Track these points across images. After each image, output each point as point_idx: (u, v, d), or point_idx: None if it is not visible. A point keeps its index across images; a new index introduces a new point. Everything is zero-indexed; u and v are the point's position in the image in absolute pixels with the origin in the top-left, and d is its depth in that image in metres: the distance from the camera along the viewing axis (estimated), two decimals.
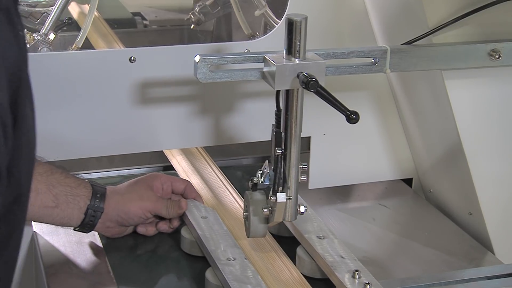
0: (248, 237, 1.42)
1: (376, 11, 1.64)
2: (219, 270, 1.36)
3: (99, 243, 1.51)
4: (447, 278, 1.43)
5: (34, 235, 1.54)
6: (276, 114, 1.35)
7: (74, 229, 1.46)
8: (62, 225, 1.45)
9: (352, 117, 1.20)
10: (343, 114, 1.21)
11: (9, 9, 0.81)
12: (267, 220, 1.39)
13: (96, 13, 2.07)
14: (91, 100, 1.56)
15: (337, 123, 1.49)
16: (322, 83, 1.24)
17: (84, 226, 1.45)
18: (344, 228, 1.64)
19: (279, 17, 1.87)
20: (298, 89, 1.30)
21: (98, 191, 1.45)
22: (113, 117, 1.58)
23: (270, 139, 1.36)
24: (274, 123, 1.35)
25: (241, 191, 1.63)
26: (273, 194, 1.34)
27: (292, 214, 1.37)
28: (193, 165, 1.77)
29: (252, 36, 2.07)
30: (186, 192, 1.56)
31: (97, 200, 1.43)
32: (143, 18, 2.61)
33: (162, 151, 1.82)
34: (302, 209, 1.38)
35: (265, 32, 1.93)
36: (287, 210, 1.36)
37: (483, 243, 1.60)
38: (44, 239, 1.52)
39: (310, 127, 1.65)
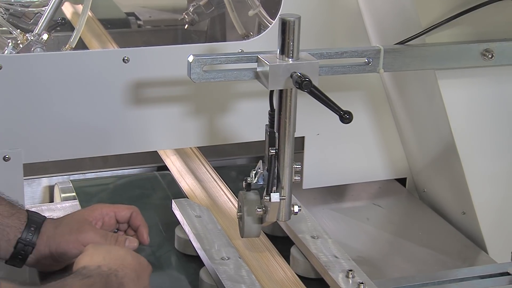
0: (242, 237, 1.42)
1: (369, 11, 1.64)
2: (213, 269, 1.36)
3: None
4: (441, 277, 1.43)
5: None
6: (269, 114, 1.35)
7: (5, 263, 1.33)
8: None
9: (345, 117, 1.20)
10: (337, 114, 1.21)
11: None
12: (261, 220, 1.39)
13: (89, 13, 2.07)
14: (85, 101, 1.55)
15: (331, 123, 1.49)
16: (315, 83, 1.25)
17: (14, 260, 1.32)
18: (338, 228, 1.64)
19: (273, 17, 1.88)
20: (291, 89, 1.30)
21: (33, 223, 1.32)
22: (106, 117, 1.58)
23: (264, 139, 1.36)
24: (267, 123, 1.36)
25: (235, 191, 1.63)
26: (267, 194, 1.34)
27: (286, 214, 1.37)
28: (187, 165, 1.77)
29: (246, 36, 2.07)
30: (131, 220, 1.41)
31: (30, 234, 1.30)
32: (137, 18, 2.61)
33: (156, 151, 1.82)
34: (296, 209, 1.38)
35: (259, 32, 1.93)
36: (281, 210, 1.36)
37: (477, 242, 1.61)
38: None
39: (304, 127, 1.65)
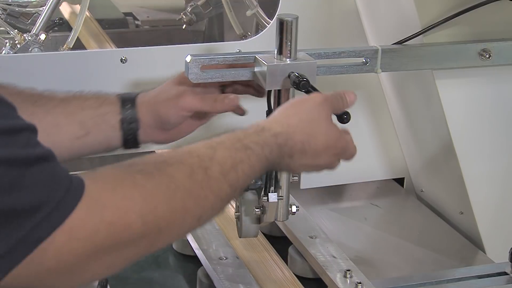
0: (240, 237, 1.42)
1: (367, 11, 1.64)
2: (211, 269, 1.36)
3: None
4: (438, 277, 1.43)
5: None
6: (267, 114, 1.35)
7: (124, 148, 1.31)
8: (105, 151, 1.30)
9: (343, 117, 1.20)
10: (335, 114, 1.21)
11: None
12: (259, 220, 1.39)
13: (87, 13, 2.08)
14: None
15: None
16: (313, 83, 1.25)
17: (128, 143, 1.29)
18: (336, 227, 1.64)
19: (271, 17, 1.88)
20: (289, 89, 1.30)
21: (127, 102, 1.28)
22: None
23: None
24: None
25: None
26: (264, 194, 1.34)
27: (283, 214, 1.37)
28: None
29: (243, 36, 2.07)
30: None
31: (128, 111, 1.27)
32: (135, 18, 2.61)
33: (154, 151, 1.82)
34: (293, 209, 1.38)
35: (256, 32, 1.93)
36: (279, 210, 1.36)
37: (474, 242, 1.61)
38: None
39: None
